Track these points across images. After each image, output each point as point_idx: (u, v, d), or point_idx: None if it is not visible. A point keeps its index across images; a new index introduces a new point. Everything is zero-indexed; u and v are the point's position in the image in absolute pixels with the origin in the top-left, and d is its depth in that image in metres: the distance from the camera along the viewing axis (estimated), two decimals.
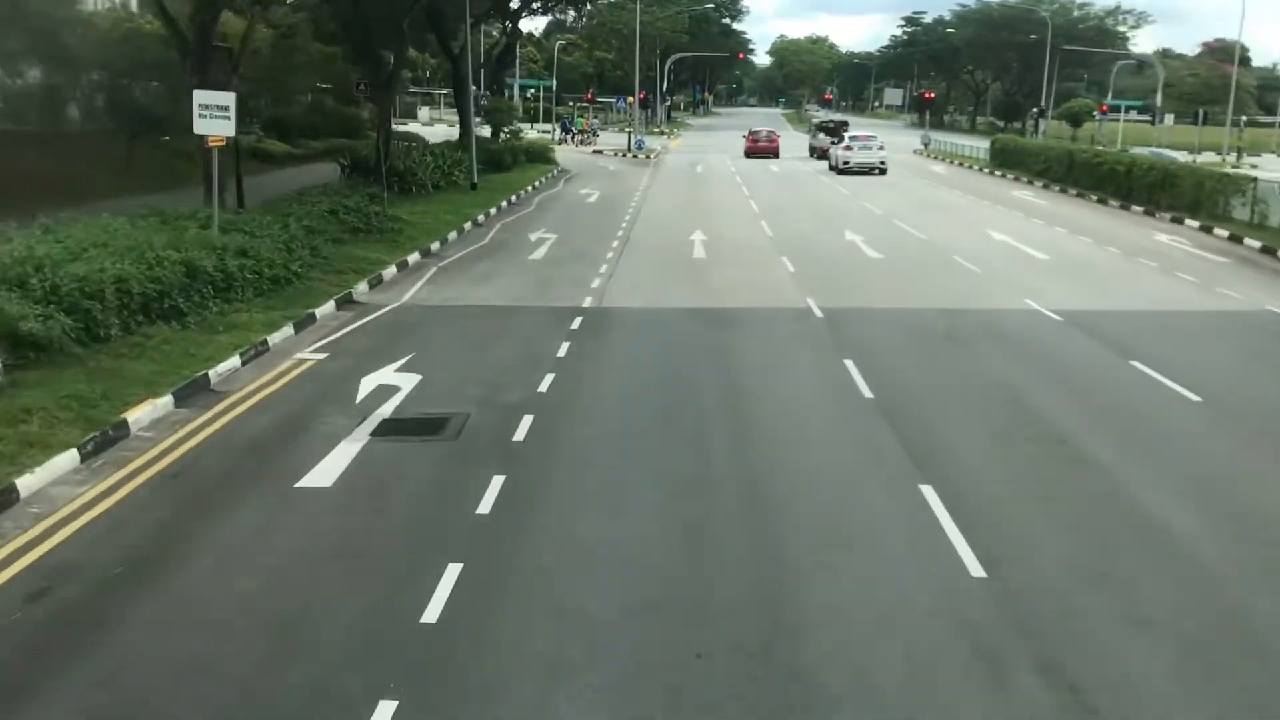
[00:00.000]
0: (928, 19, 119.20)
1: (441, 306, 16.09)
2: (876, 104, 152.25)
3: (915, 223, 26.49)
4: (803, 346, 13.74)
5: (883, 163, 42.96)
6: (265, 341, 13.10)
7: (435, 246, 21.54)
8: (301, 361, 12.63)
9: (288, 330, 13.78)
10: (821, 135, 53.13)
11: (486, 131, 45.38)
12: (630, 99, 65.48)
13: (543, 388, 11.48)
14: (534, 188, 35.06)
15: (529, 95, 78.07)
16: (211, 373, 11.66)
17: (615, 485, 8.69)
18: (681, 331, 14.52)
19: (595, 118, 66.70)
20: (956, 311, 15.90)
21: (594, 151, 55.86)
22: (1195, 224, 26.41)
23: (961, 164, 50.24)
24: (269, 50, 36.64)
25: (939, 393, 11.53)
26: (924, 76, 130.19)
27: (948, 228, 26.05)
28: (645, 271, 19.40)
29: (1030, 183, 39.18)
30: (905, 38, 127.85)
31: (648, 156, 53.08)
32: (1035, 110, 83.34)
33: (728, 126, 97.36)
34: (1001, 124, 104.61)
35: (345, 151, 30.21)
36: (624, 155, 53.62)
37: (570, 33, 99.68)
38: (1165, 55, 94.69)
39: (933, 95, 72.62)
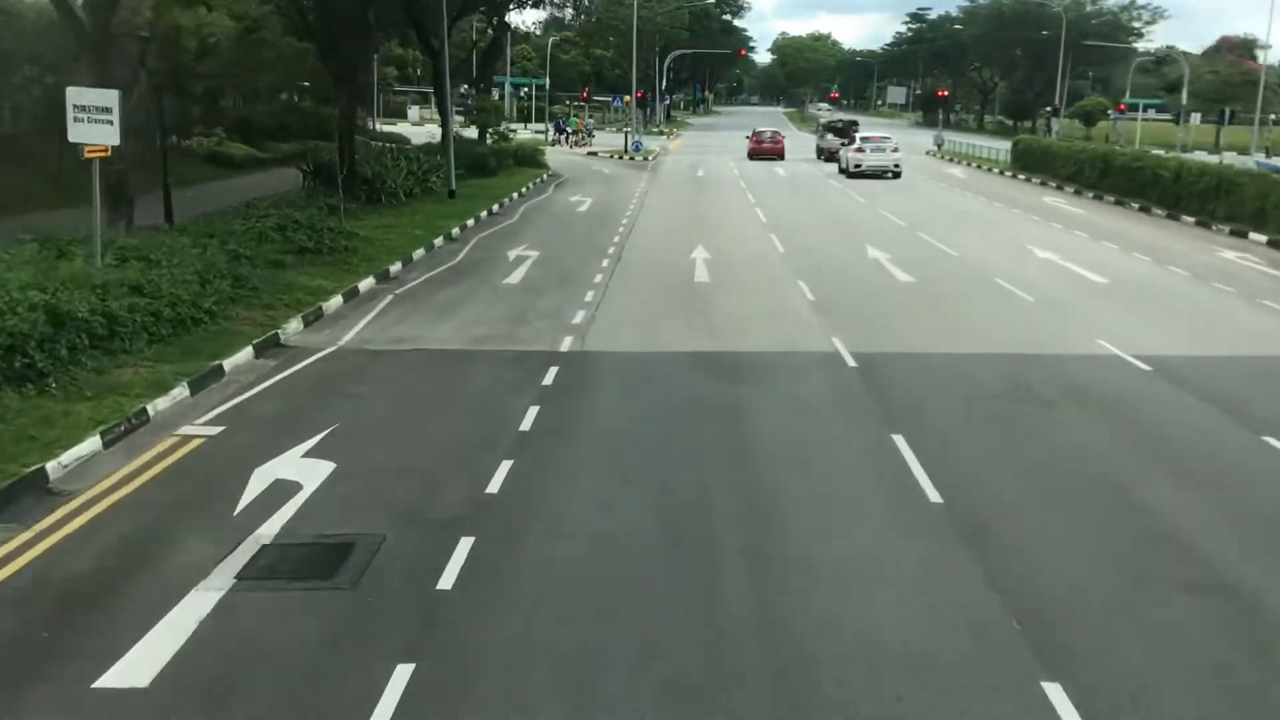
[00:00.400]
0: (933, 15, 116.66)
1: (386, 352, 13.12)
2: (879, 103, 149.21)
3: (944, 236, 23.55)
4: (837, 414, 10.78)
5: (897, 165, 40.03)
6: (145, 411, 10.13)
7: (396, 268, 18.59)
8: (186, 440, 9.68)
9: (180, 391, 10.82)
10: (830, 136, 50.18)
11: (475, 133, 42.49)
12: (627, 98, 62.58)
13: (493, 485, 8.52)
14: (520, 195, 32.13)
15: (522, 94, 75.20)
16: (54, 464, 8.69)
17: (579, 690, 5.71)
18: (682, 391, 11.53)
19: (590, 117, 63.71)
20: (1018, 358, 12.94)
21: (589, 153, 52.93)
22: (1262, 238, 23.43)
23: (980, 166, 47.27)
24: (232, 45, 33.77)
25: (1029, 494, 8.57)
26: (929, 75, 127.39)
27: (982, 242, 23.11)
28: (638, 300, 16.45)
29: (1059, 188, 36.19)
30: (910, 35, 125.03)
31: (645, 159, 50.16)
32: (1048, 109, 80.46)
33: (729, 126, 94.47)
34: (1010, 123, 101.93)
35: (311, 155, 27.18)
36: (620, 157, 50.70)
37: (568, 30, 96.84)
38: (1170, 51, 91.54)
39: (947, 93, 69.27)
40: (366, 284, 17.02)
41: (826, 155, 49.16)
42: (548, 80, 65.43)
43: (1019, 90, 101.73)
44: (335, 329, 14.19)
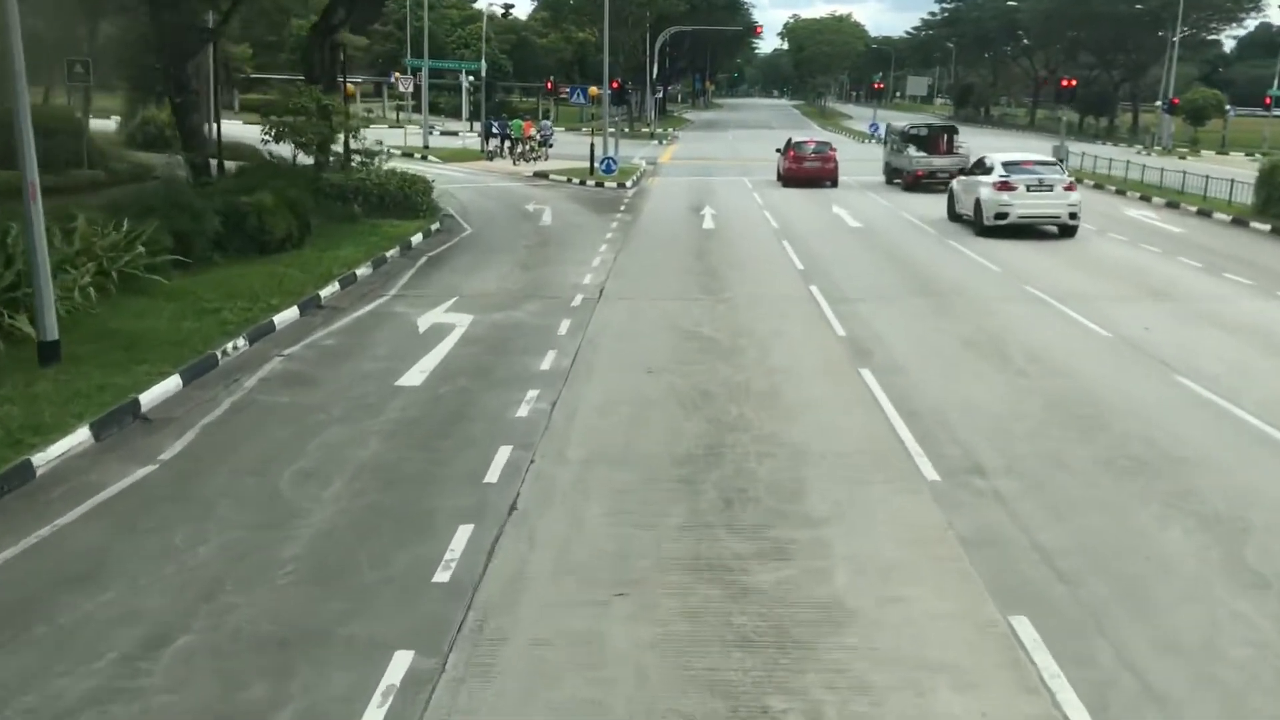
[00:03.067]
0: None
1: None
2: (897, 94, 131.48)
3: None
4: None
5: (1074, 213, 21.91)
6: None
7: None
8: None
9: None
10: (912, 150, 31.85)
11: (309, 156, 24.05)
12: (593, 90, 44.25)
13: None
14: (308, 311, 13.91)
15: (471, 83, 56.95)
16: None
17: None
18: None
19: (546, 118, 45.28)
20: None
21: (535, 174, 34.69)
22: None
23: (1173, 205, 28.69)
24: None
25: None
26: (960, 62, 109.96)
27: None
28: None
29: None
30: (944, 15, 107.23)
31: (621, 184, 31.93)
32: (1158, 104, 62.30)
33: (736, 124, 76.62)
34: (1078, 119, 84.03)
35: None
36: (582, 182, 32.54)
37: (545, 10, 79.05)
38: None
39: (1074, 82, 50.60)
40: None
41: (907, 181, 31.07)
42: (483, 65, 46.84)
43: (1088, 80, 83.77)
44: None
